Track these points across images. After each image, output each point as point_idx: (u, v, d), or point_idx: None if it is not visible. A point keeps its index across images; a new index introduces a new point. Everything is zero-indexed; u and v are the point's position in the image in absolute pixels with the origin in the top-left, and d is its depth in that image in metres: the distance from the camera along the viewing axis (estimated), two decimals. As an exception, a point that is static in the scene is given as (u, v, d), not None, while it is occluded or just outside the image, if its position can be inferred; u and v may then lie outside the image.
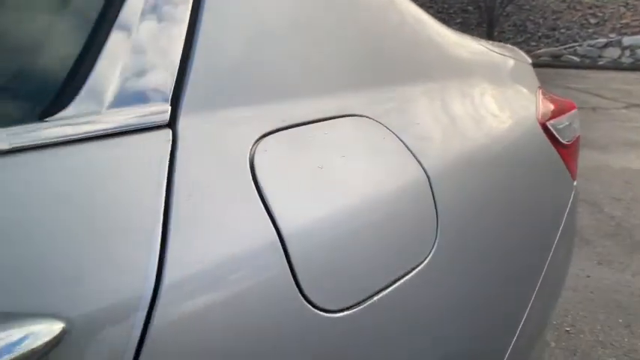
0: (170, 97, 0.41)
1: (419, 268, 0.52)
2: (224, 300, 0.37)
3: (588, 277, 2.05)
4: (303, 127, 0.50)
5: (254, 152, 0.44)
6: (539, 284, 0.84)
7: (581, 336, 1.69)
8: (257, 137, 0.45)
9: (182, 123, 0.41)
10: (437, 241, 0.55)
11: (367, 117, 0.56)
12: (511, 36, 11.96)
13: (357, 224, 0.48)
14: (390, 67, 0.66)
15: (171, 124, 0.40)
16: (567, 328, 1.73)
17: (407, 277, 0.51)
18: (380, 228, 0.50)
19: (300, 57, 0.53)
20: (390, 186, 0.53)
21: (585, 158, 3.30)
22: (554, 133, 0.89)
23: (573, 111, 1.02)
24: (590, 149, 3.73)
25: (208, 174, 0.40)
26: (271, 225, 0.41)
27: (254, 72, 0.48)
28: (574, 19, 11.87)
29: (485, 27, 11.37)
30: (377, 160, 0.54)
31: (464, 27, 12.05)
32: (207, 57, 0.44)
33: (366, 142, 0.54)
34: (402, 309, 0.51)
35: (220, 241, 0.38)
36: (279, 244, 0.41)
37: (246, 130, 0.45)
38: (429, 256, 0.54)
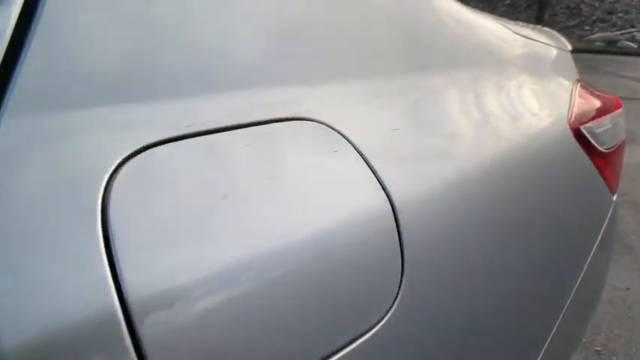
0: None
1: (363, 338, 0.37)
2: None
3: (627, 289, 1.81)
4: (210, 136, 0.35)
5: (113, 180, 0.29)
6: (563, 312, 0.68)
7: (614, 358, 1.48)
8: (124, 156, 0.31)
9: None
10: (400, 293, 0.40)
11: (318, 121, 0.41)
12: (563, 19, 11.11)
13: (263, 285, 0.32)
14: (377, 55, 0.50)
15: None
16: (598, 348, 1.52)
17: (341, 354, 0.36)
18: (297, 288, 0.34)
19: (218, 39, 0.38)
20: (327, 224, 0.37)
21: (632, 155, 2.96)
22: (590, 139, 0.70)
23: (618, 111, 0.82)
24: (638, 145, 3.36)
25: (26, 214, 0.27)
26: (114, 291, 0.27)
27: (134, 57, 0.33)
28: (633, 2, 10.86)
29: (535, 9, 10.59)
30: (317, 187, 0.38)
31: (512, 10, 11.29)
32: (52, 35, 0.30)
33: (306, 159, 0.38)
34: None
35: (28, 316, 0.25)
36: (124, 323, 0.27)
37: (108, 146, 0.31)
38: (384, 319, 0.39)
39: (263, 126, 0.37)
